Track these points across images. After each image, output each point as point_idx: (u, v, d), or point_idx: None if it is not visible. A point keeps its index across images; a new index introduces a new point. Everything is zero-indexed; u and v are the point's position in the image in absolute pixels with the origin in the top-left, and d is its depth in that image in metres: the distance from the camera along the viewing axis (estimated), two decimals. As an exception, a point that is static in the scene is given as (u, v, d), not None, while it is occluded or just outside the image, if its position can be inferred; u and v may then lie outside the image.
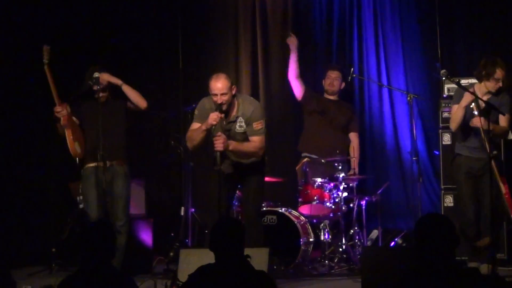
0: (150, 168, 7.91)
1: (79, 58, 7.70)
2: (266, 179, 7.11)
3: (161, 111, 8.04)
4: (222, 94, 5.60)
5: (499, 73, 5.97)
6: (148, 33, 8.19)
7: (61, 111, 5.88)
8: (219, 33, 8.26)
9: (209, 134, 5.72)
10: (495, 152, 6.02)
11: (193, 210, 7.32)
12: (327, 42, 8.13)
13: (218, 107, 5.60)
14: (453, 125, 6.19)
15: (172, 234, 7.26)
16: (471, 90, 6.00)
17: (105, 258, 3.44)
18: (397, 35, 7.95)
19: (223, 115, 5.62)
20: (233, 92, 5.70)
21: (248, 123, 5.73)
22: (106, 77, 6.03)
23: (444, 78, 6.65)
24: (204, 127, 5.64)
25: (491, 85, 6.02)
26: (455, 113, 6.08)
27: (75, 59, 7.69)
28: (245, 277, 3.33)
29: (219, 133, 5.57)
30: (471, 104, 5.91)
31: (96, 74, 5.92)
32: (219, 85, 5.61)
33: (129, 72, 8.07)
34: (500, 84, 5.99)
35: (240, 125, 5.74)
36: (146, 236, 6.80)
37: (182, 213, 7.36)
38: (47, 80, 5.86)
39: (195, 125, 5.79)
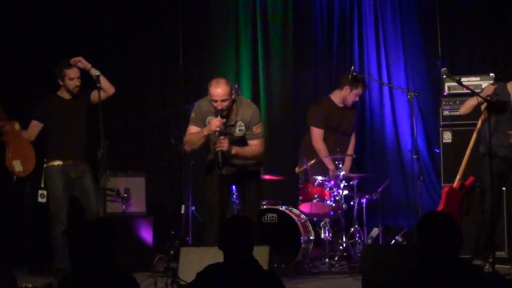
0: (151, 166, 7.90)
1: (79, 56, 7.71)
2: (267, 177, 7.13)
3: (162, 109, 8.06)
4: (222, 101, 5.49)
5: None
6: (149, 31, 8.19)
7: (3, 126, 5.94)
8: (219, 32, 8.26)
9: (208, 138, 5.68)
10: None
11: (193, 208, 7.31)
12: (328, 41, 8.14)
13: (219, 113, 5.53)
14: (462, 109, 6.29)
15: (173, 232, 7.26)
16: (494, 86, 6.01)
17: (107, 256, 3.42)
18: (397, 33, 7.96)
19: (225, 120, 5.54)
20: (233, 97, 5.61)
21: (248, 127, 5.68)
22: (76, 61, 6.04)
23: (444, 76, 6.65)
24: (206, 133, 5.56)
25: None
26: (471, 99, 6.12)
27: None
28: (254, 277, 3.31)
29: (223, 137, 5.51)
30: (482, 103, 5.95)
31: (97, 72, 5.91)
32: (219, 91, 5.49)
33: (130, 70, 8.10)
34: None
35: (240, 129, 5.68)
36: (147, 234, 6.80)
37: (183, 211, 7.36)
38: None
39: (193, 129, 5.71)
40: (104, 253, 3.41)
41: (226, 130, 5.62)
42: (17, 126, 6.01)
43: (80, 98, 6.13)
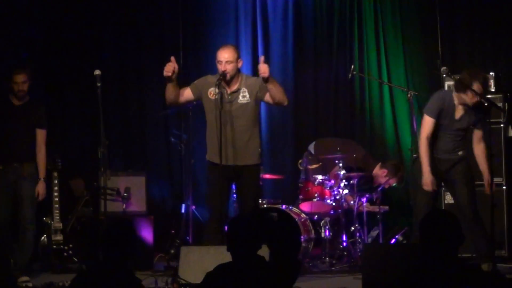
0: (151, 165, 7.91)
1: (79, 56, 7.71)
2: (267, 176, 7.14)
3: (162, 109, 8.05)
4: (227, 62, 5.59)
5: None
6: (149, 30, 8.19)
7: None
8: (219, 32, 8.25)
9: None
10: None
11: (194, 207, 7.32)
12: (328, 39, 8.14)
13: (222, 75, 5.58)
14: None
15: (173, 232, 7.27)
16: None
17: (124, 258, 3.39)
18: (397, 32, 7.97)
19: (176, 66, 5.64)
20: (239, 65, 5.70)
21: (259, 89, 5.68)
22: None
23: (444, 75, 6.64)
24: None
25: None
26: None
27: (75, 58, 7.70)
28: (263, 276, 3.31)
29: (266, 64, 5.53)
30: None
31: (97, 71, 5.90)
32: (225, 53, 5.63)
33: (129, 69, 8.09)
34: None
35: (243, 95, 5.70)
36: (147, 234, 6.80)
37: (183, 210, 7.37)
38: None
39: (185, 89, 5.82)
40: (118, 255, 3.37)
41: (230, 97, 5.68)
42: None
43: (29, 106, 6.24)
